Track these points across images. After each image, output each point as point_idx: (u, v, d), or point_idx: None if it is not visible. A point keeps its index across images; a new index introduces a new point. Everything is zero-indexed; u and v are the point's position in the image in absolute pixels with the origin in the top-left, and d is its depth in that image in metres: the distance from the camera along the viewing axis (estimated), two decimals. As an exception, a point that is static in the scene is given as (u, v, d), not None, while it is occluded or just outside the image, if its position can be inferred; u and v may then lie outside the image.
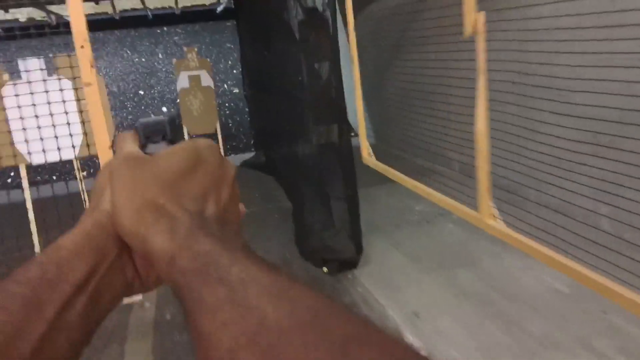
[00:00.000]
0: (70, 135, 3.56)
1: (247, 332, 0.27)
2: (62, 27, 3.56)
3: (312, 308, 0.28)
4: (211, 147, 0.43)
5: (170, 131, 0.47)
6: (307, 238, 3.55)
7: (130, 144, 0.44)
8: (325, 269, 3.28)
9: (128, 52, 7.45)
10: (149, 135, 0.46)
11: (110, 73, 7.24)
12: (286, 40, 4.29)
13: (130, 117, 6.99)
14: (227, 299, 0.29)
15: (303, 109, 4.08)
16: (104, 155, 2.06)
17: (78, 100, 3.57)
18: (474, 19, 1.62)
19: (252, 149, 6.73)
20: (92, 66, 2.03)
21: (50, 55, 3.67)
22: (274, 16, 4.45)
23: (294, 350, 0.25)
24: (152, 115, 0.54)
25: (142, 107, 7.06)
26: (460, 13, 1.66)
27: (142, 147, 0.46)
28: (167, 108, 6.95)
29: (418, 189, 2.52)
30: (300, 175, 4.12)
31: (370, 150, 2.95)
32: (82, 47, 1.96)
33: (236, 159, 6.43)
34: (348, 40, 3.38)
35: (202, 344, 0.29)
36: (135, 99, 7.19)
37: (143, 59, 7.43)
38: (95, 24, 6.98)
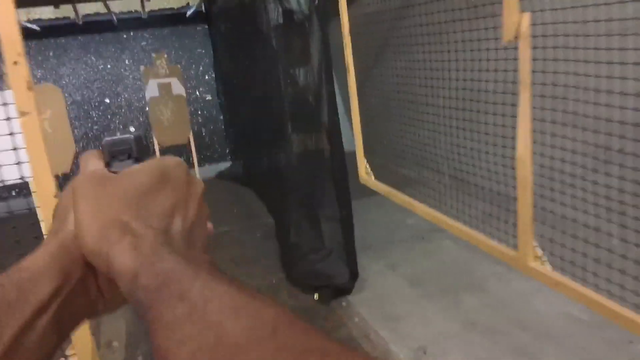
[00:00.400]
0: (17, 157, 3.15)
1: (205, 348, 0.27)
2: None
3: (271, 322, 0.28)
4: (179, 165, 0.42)
5: (137, 149, 0.44)
6: (294, 261, 3.22)
7: (94, 162, 0.43)
8: (316, 296, 2.96)
9: (92, 58, 7.00)
10: (114, 154, 0.44)
11: (74, 81, 6.77)
12: (262, 44, 3.99)
13: (95, 127, 6.53)
14: (186, 316, 0.29)
15: (282, 117, 3.78)
16: (46, 206, 1.56)
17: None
18: (516, 21, 1.34)
19: (229, 159, 6.35)
20: (29, 88, 1.51)
21: None
22: (248, 19, 4.15)
23: None
24: (119, 133, 0.47)
25: (109, 116, 6.60)
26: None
27: (107, 165, 0.43)
28: (136, 116, 6.51)
29: (439, 221, 2.22)
30: (283, 189, 3.79)
31: (369, 168, 2.64)
32: (15, 63, 1.44)
33: (210, 170, 6.06)
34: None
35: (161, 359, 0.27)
36: (101, 108, 6.73)
37: (109, 66, 6.99)
38: (57, 29, 6.52)
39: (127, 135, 0.45)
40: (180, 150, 6.00)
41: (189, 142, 5.32)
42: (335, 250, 3.03)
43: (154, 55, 5.29)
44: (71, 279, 0.37)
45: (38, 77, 6.48)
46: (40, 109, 3.22)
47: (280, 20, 3.51)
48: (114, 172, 0.41)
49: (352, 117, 2.73)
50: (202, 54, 6.77)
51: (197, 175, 5.72)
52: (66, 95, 6.59)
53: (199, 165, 5.84)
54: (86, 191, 0.38)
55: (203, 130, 6.52)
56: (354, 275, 2.95)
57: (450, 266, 3.16)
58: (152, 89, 5.19)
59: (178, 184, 0.40)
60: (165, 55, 5.27)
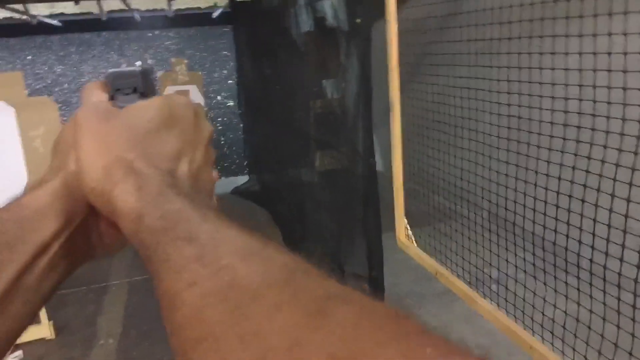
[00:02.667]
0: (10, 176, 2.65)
1: (216, 292, 0.25)
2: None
3: (285, 268, 0.26)
4: (187, 105, 0.39)
5: (143, 84, 0.40)
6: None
7: (98, 94, 0.39)
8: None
9: (115, 56, 6.59)
10: (119, 87, 0.40)
11: (94, 79, 6.36)
12: (291, 53, 3.47)
13: (113, 129, 6.09)
14: (195, 258, 0.27)
15: (306, 136, 3.24)
16: None
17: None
18: None
19: (246, 172, 5.81)
20: None
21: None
22: (276, 25, 3.63)
23: (266, 309, 0.23)
24: (124, 65, 0.41)
25: (127, 118, 6.17)
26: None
27: (112, 98, 0.40)
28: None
29: (505, 329, 1.65)
30: (303, 222, 3.24)
31: (410, 232, 2.07)
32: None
33: (226, 184, 5.53)
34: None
35: (168, 305, 0.26)
36: (120, 109, 6.32)
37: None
38: (80, 25, 6.08)
39: (133, 68, 0.41)
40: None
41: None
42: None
43: (172, 60, 4.78)
44: (73, 220, 0.35)
45: (58, 72, 6.06)
46: (31, 125, 2.71)
47: (314, 31, 2.98)
48: (119, 107, 0.37)
49: (394, 167, 2.16)
50: (227, 57, 6.27)
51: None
52: (85, 93, 6.16)
53: (216, 177, 5.33)
54: (89, 126, 0.35)
55: (222, 139, 5.99)
56: (381, 345, 2.38)
57: (498, 339, 2.56)
58: (168, 96, 4.69)
59: (186, 125, 0.38)
60: (186, 61, 4.76)
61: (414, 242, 2.21)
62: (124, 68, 0.41)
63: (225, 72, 6.29)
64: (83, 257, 0.37)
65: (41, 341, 2.86)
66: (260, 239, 0.28)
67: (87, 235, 0.37)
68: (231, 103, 6.13)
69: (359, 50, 2.61)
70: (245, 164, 5.92)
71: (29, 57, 5.83)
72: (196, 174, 0.37)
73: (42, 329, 2.85)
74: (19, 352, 2.72)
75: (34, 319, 0.33)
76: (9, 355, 2.63)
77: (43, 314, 2.87)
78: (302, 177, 3.51)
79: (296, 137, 3.49)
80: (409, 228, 2.19)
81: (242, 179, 5.67)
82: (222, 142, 5.97)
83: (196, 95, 4.75)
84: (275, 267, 0.26)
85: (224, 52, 6.39)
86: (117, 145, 0.34)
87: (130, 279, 3.56)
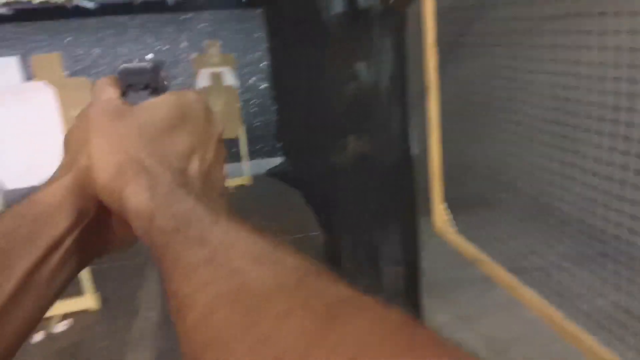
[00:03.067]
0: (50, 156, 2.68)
1: (227, 294, 0.24)
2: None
3: (298, 270, 0.25)
4: (198, 101, 0.39)
5: (155, 80, 0.40)
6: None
7: (110, 90, 0.39)
8: (369, 351, 2.36)
9: (150, 39, 6.62)
10: (131, 83, 0.40)
11: (130, 60, 6.42)
12: (324, 34, 3.39)
13: (149, 111, 6.14)
14: (207, 260, 0.27)
15: (340, 117, 3.17)
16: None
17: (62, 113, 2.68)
18: None
19: (280, 154, 5.77)
20: None
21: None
22: (307, 5, 3.55)
23: (277, 313, 0.22)
24: (136, 61, 0.40)
25: (162, 101, 6.20)
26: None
27: (123, 94, 0.39)
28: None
29: (550, 319, 1.57)
30: (335, 204, 3.19)
31: (448, 217, 1.98)
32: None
33: (261, 165, 5.52)
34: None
35: (179, 306, 0.26)
36: (156, 91, 6.36)
37: (165, 47, 6.59)
38: (114, 8, 6.12)
39: (144, 64, 0.40)
40: (231, 143, 5.48)
41: (239, 137, 4.80)
42: (395, 296, 2.40)
43: (206, 42, 4.76)
44: (85, 216, 0.35)
45: (95, 55, 6.12)
46: (70, 105, 2.73)
47: (346, 10, 2.89)
48: (131, 104, 0.37)
49: (430, 151, 2.07)
50: (260, 39, 6.21)
51: (247, 171, 5.24)
52: (122, 76, 6.23)
53: (250, 159, 5.31)
54: (101, 123, 0.35)
55: (256, 121, 5.97)
56: (417, 331, 2.32)
57: (539, 328, 2.46)
58: (202, 79, 4.68)
59: (197, 122, 0.37)
60: (219, 43, 4.72)
61: (453, 227, 2.12)
62: (136, 64, 0.40)
63: (258, 54, 6.23)
64: (94, 253, 0.37)
65: (86, 312, 2.94)
66: (271, 241, 0.28)
67: (98, 231, 0.37)
68: (265, 85, 6.09)
69: (394, 30, 2.50)
70: (279, 146, 5.89)
71: (68, 39, 5.91)
72: (207, 173, 0.37)
73: (87, 301, 2.93)
74: (69, 321, 2.79)
75: (44, 314, 0.33)
76: (59, 323, 2.70)
77: (88, 286, 2.93)
78: (335, 160, 3.44)
79: (328, 120, 3.42)
80: (447, 213, 2.11)
81: (276, 161, 5.66)
82: (257, 125, 5.95)
83: (229, 77, 4.73)
84: (286, 270, 0.25)
85: (257, 34, 6.33)
86: (128, 144, 0.34)
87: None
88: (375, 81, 2.69)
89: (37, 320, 0.33)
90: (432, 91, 2.43)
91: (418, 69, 3.67)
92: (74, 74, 5.74)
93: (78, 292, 2.92)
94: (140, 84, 0.40)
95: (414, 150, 2.84)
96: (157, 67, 0.41)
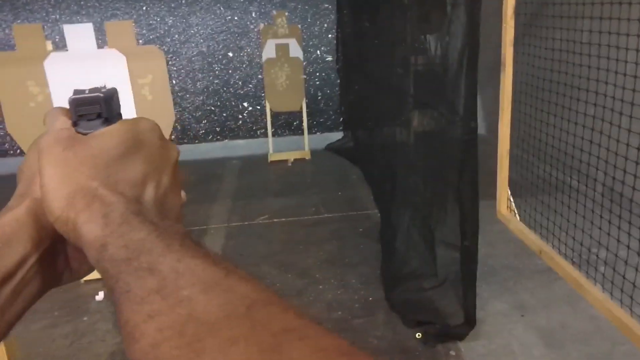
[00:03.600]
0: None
1: (174, 324, 0.25)
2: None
3: (245, 300, 0.26)
4: (152, 129, 0.39)
5: (107, 109, 0.39)
6: (397, 280, 2.57)
7: (61, 121, 0.38)
8: (419, 335, 2.31)
9: (221, 8, 6.67)
10: (82, 113, 0.39)
11: (201, 31, 6.49)
12: (390, 4, 3.26)
13: (216, 81, 6.21)
14: (156, 290, 0.27)
15: (404, 93, 3.06)
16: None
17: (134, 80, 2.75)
18: None
19: (341, 129, 5.70)
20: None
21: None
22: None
23: (221, 344, 0.23)
24: (87, 90, 0.40)
25: (230, 71, 6.24)
26: None
27: (74, 124, 0.39)
28: (255, 73, 6.07)
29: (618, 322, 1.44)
30: (393, 182, 3.10)
31: (513, 203, 1.86)
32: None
33: (321, 139, 5.48)
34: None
35: (127, 336, 0.26)
36: (224, 61, 6.39)
37: (235, 18, 6.62)
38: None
39: (96, 94, 0.40)
40: (292, 115, 5.47)
41: (301, 109, 4.77)
42: (450, 281, 2.32)
43: (274, 12, 4.72)
44: (39, 246, 0.35)
45: (169, 24, 6.25)
46: (140, 73, 2.80)
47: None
48: (83, 134, 0.37)
49: (500, 131, 1.93)
50: (328, 10, 6.09)
51: (306, 145, 5.22)
52: (192, 45, 6.34)
53: (310, 132, 5.28)
54: (53, 154, 0.35)
55: (319, 94, 5.91)
56: (469, 320, 2.23)
57: (603, 325, 2.30)
58: (269, 50, 4.66)
59: (151, 150, 0.37)
60: (286, 14, 4.67)
61: (516, 214, 1.99)
62: (87, 94, 0.39)
63: (325, 25, 6.12)
64: (50, 283, 0.37)
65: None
66: (223, 268, 0.28)
67: (53, 261, 0.37)
68: (330, 58, 5.99)
69: (468, 0, 2.33)
70: (340, 120, 5.82)
71: (144, 8, 6.06)
72: (163, 199, 0.36)
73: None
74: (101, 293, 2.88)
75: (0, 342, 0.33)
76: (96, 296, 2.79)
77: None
78: (396, 136, 3.34)
79: (393, 95, 3.31)
80: (512, 200, 1.98)
81: (337, 136, 5.60)
82: (319, 98, 5.89)
83: (295, 48, 4.68)
84: (235, 299, 0.26)
85: (325, 5, 6.21)
86: (80, 173, 0.34)
87: (228, 224, 3.69)
88: (444, 54, 2.55)
89: None
90: (507, 68, 2.25)
91: (492, 43, 3.44)
92: (148, 42, 5.92)
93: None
94: (92, 113, 0.39)
95: (481, 129, 2.69)
96: (108, 96, 0.40)
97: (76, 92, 0.40)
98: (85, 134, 0.37)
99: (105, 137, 0.36)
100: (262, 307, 0.25)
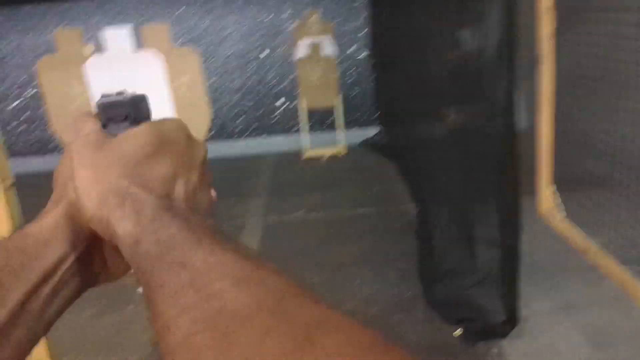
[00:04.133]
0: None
1: (206, 317, 0.25)
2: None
3: (277, 292, 0.26)
4: (179, 128, 0.39)
5: (134, 111, 0.40)
6: (435, 276, 2.52)
7: (90, 125, 0.39)
8: (458, 332, 2.25)
9: (255, 9, 6.72)
10: (111, 116, 0.40)
11: (236, 32, 6.57)
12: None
13: (251, 79, 6.27)
14: (188, 284, 0.27)
15: (440, 86, 2.99)
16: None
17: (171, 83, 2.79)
18: None
19: (376, 124, 5.64)
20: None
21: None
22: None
23: (254, 336, 0.23)
24: (115, 94, 0.40)
25: (264, 70, 6.29)
26: None
27: (103, 127, 0.39)
28: (289, 72, 6.08)
29: None
30: (431, 178, 3.04)
31: (560, 202, 1.78)
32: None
33: (356, 135, 5.44)
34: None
35: (162, 330, 0.26)
36: (259, 61, 6.46)
37: (270, 16, 6.66)
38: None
39: (123, 97, 0.40)
40: (327, 111, 5.45)
41: (336, 105, 4.75)
42: (491, 278, 2.25)
43: (306, 12, 4.71)
44: (76, 248, 0.36)
45: (205, 26, 6.34)
46: (177, 74, 2.83)
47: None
48: (112, 135, 0.38)
49: (540, 126, 1.86)
50: (360, 8, 6.04)
51: (341, 140, 5.19)
52: (228, 45, 6.41)
53: (345, 128, 5.25)
54: (84, 156, 0.36)
55: (353, 90, 5.87)
56: (512, 318, 2.16)
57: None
58: (301, 49, 4.65)
59: (179, 148, 0.38)
60: (317, 12, 4.66)
61: (560, 212, 1.91)
62: (114, 97, 0.40)
63: (358, 23, 6.08)
64: (87, 283, 0.37)
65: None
66: (254, 261, 0.28)
67: (90, 261, 0.37)
68: (363, 54, 5.94)
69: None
70: (376, 116, 5.76)
71: (179, 11, 6.17)
72: (192, 196, 0.37)
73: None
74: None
75: (35, 346, 0.34)
76: None
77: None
78: (432, 132, 3.27)
79: (428, 90, 3.24)
80: (555, 196, 1.90)
81: (372, 131, 5.55)
82: (354, 94, 5.85)
83: (328, 47, 4.66)
84: (266, 292, 0.26)
85: (358, 3, 6.16)
86: (111, 173, 0.34)
87: (264, 219, 3.71)
88: (481, 48, 2.48)
89: (27, 351, 0.33)
90: (546, 61, 2.17)
91: (530, 36, 3.32)
92: (184, 43, 6.01)
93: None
94: (120, 116, 0.40)
95: (521, 124, 2.60)
96: (136, 99, 0.41)
97: (104, 95, 0.40)
98: (113, 136, 0.38)
99: (133, 137, 0.37)
100: (293, 299, 0.26)
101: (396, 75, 4.30)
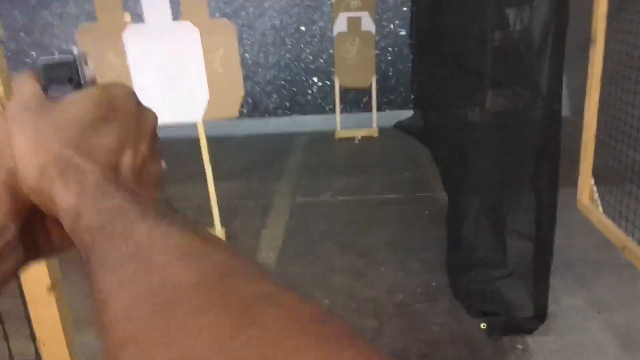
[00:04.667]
0: (194, 94, 2.82)
1: (147, 292, 0.24)
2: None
3: (222, 268, 0.26)
4: (128, 94, 0.37)
5: (78, 73, 0.37)
6: (462, 267, 2.46)
7: (30, 86, 0.35)
8: (483, 325, 2.20)
9: (294, -18, 6.62)
10: (52, 77, 0.36)
11: (275, 5, 6.50)
12: None
13: (287, 55, 6.20)
14: (130, 256, 0.26)
15: (479, 71, 2.88)
16: None
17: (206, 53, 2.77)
18: None
19: (411, 107, 5.52)
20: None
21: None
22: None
23: (192, 310, 0.23)
24: (56, 53, 0.36)
25: (302, 45, 6.21)
26: None
27: (44, 89, 0.36)
28: (327, 48, 5.98)
29: None
30: (464, 165, 2.95)
31: (596, 194, 1.69)
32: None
33: (390, 117, 5.33)
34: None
35: (100, 305, 0.25)
36: (296, 35, 6.37)
37: (310, -10, 6.55)
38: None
39: (66, 56, 0.36)
40: (362, 92, 5.35)
41: (371, 86, 4.65)
42: (520, 272, 2.18)
43: (346, -15, 4.60)
44: (16, 219, 0.33)
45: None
46: (212, 46, 2.81)
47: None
48: (53, 99, 0.35)
49: (586, 114, 1.75)
50: (402, -15, 5.86)
51: (374, 122, 5.10)
52: (266, 19, 6.34)
53: (379, 110, 5.15)
54: (23, 122, 0.33)
55: (390, 69, 5.73)
56: (540, 313, 2.09)
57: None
58: (340, 24, 4.56)
59: (127, 116, 0.35)
60: (360, -14, 4.54)
61: (599, 205, 1.82)
62: (56, 56, 0.36)
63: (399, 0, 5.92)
64: (30, 257, 0.35)
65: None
66: (201, 236, 0.27)
67: (33, 234, 0.35)
68: (403, 32, 5.78)
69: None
70: (411, 97, 5.63)
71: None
72: (141, 167, 0.35)
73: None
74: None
75: None
76: None
77: (217, 221, 3.09)
78: (468, 117, 3.17)
79: (467, 72, 3.12)
80: (595, 189, 1.80)
81: (407, 114, 5.43)
82: (390, 74, 5.72)
83: (367, 22, 4.55)
84: (210, 266, 0.25)
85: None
86: (53, 141, 0.32)
87: (292, 200, 3.70)
88: (527, 29, 2.36)
89: None
90: (598, 44, 2.03)
91: (581, 17, 3.12)
92: (223, 15, 5.98)
93: (207, 225, 3.12)
94: (62, 77, 0.36)
95: (565, 111, 2.47)
96: (80, 59, 0.37)
97: (46, 55, 0.37)
98: (56, 100, 0.35)
99: (78, 101, 0.34)
100: (237, 276, 0.25)
101: (434, 55, 4.16)
